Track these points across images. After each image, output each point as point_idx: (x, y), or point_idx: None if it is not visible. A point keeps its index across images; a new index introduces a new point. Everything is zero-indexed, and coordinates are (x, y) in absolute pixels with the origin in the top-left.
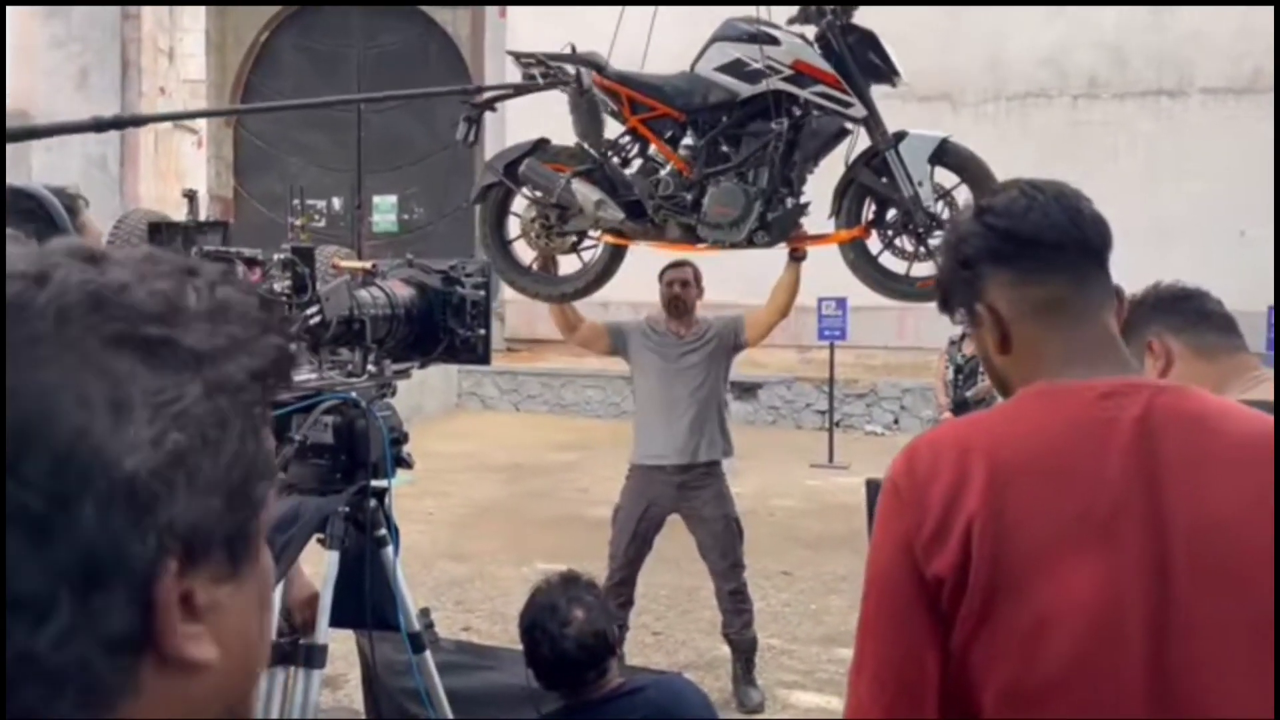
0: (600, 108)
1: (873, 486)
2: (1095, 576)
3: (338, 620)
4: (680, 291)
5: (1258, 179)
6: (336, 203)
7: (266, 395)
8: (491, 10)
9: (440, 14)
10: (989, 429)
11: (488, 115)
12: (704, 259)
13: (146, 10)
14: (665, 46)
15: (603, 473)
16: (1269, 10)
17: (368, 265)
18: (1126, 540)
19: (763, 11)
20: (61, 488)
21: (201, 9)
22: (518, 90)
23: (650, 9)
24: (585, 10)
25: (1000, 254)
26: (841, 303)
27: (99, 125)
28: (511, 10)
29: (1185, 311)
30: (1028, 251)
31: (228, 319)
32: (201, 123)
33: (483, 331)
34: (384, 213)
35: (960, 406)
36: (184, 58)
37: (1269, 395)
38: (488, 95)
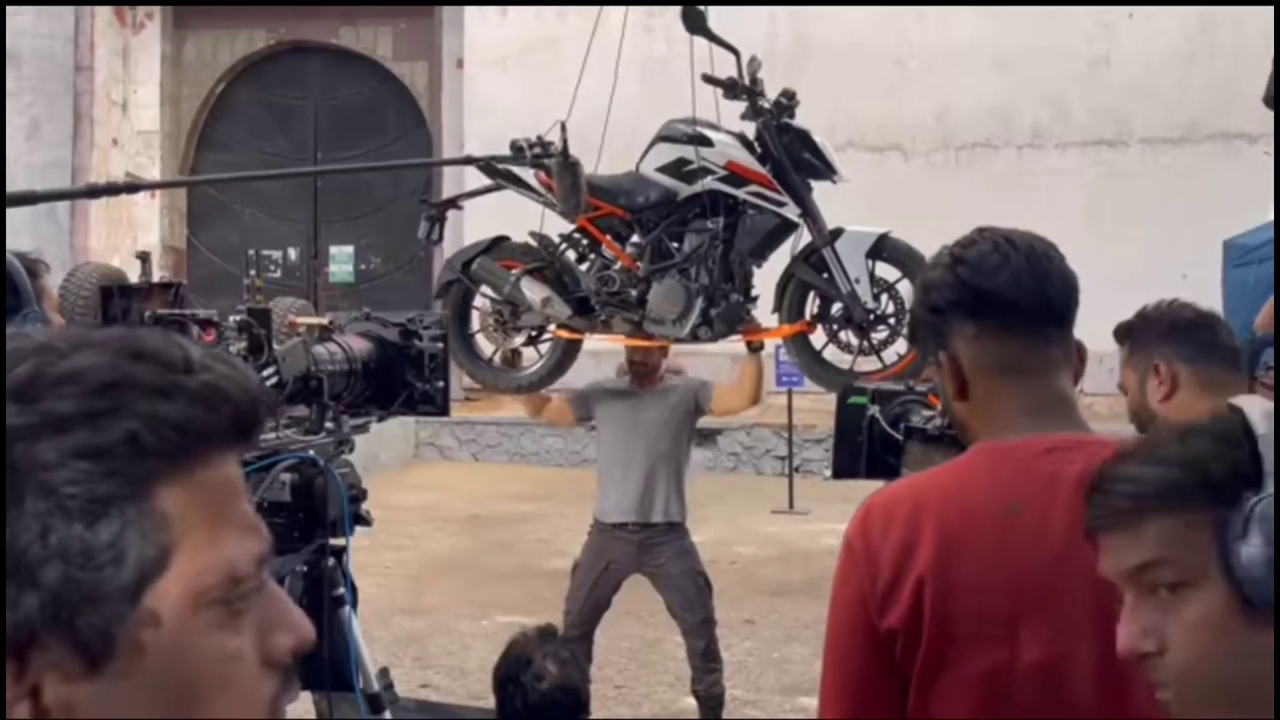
0: (580, 176)
1: (844, 391)
2: (1042, 635)
3: None
4: (643, 357)
5: (1196, 223)
6: (293, 253)
7: (113, 478)
8: (449, 63)
9: (398, 66)
10: (939, 487)
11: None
12: None
13: (100, 62)
14: (626, 110)
15: (563, 523)
16: (1204, 63)
17: (324, 320)
18: (1071, 597)
19: (705, 110)
20: None
21: (156, 63)
22: (491, 178)
23: (611, 74)
24: (541, 66)
25: (967, 307)
26: None
27: (93, 192)
28: (469, 64)
29: (1198, 342)
30: (993, 308)
31: (59, 392)
32: (155, 174)
33: (441, 384)
34: (341, 263)
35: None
36: (138, 109)
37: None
38: (451, 195)
